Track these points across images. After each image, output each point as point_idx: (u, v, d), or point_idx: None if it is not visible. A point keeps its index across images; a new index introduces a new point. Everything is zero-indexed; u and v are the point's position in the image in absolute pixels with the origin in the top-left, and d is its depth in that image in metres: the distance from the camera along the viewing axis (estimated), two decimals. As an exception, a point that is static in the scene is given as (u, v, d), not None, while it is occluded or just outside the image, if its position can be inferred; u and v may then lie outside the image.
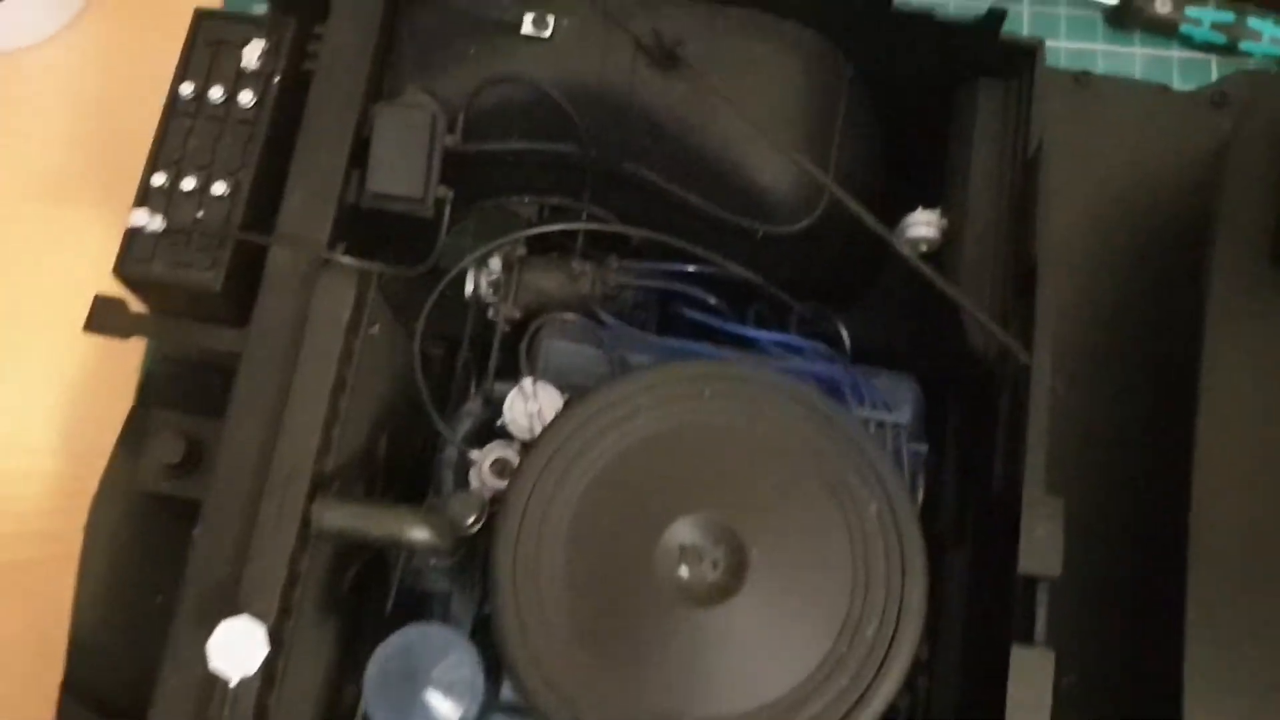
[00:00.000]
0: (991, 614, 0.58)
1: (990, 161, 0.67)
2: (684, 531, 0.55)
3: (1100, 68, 0.83)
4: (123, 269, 0.63)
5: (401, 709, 0.55)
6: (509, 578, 0.55)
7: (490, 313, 0.69)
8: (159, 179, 0.64)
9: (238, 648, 0.55)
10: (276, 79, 0.66)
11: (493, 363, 0.66)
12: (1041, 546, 0.54)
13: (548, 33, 0.66)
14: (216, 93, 0.65)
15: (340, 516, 0.59)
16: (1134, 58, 0.85)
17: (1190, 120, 0.72)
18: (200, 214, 0.64)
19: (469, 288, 0.69)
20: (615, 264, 0.69)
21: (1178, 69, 0.85)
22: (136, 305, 0.66)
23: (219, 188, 0.64)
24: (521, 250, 0.69)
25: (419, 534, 0.58)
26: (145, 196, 0.64)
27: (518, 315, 0.67)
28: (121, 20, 0.91)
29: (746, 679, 0.53)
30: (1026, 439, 0.56)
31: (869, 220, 0.62)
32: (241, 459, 0.59)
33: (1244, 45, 0.85)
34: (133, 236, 0.64)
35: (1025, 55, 0.66)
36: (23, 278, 0.85)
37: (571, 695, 0.53)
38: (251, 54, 0.66)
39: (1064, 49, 0.86)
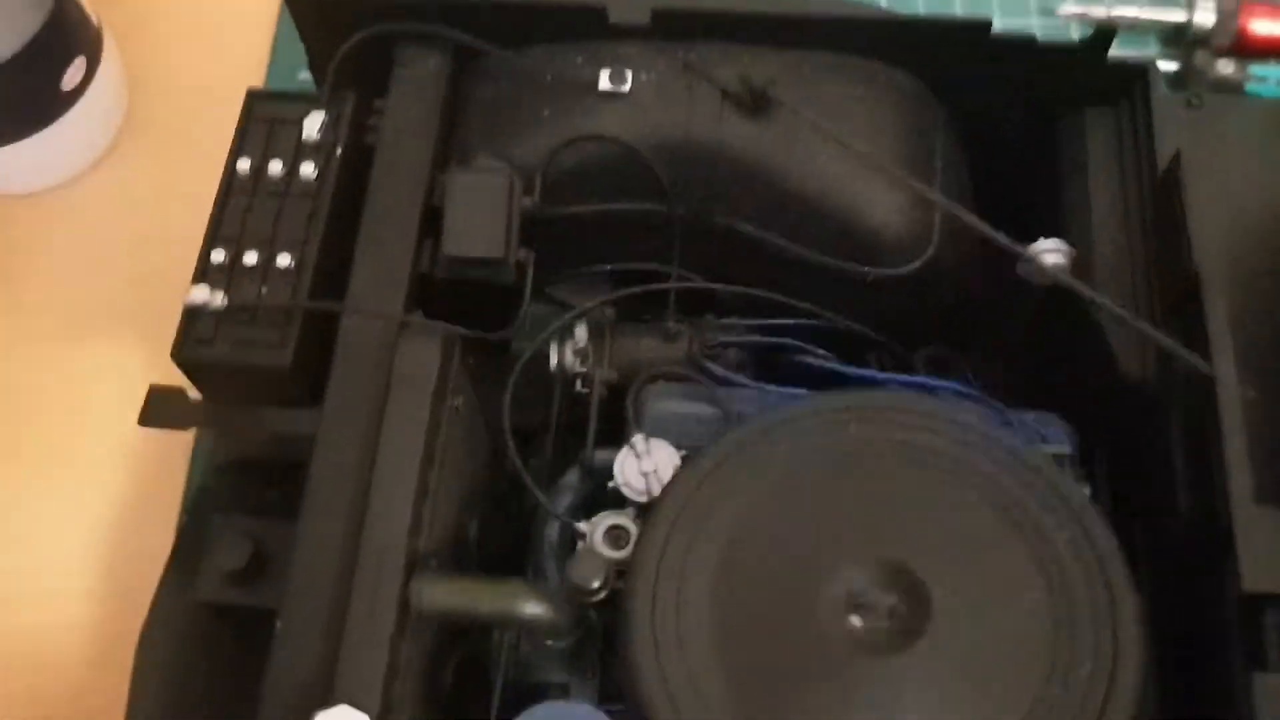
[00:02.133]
0: (1186, 643, 0.50)
1: (1111, 189, 0.62)
2: (849, 578, 0.48)
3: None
4: (183, 352, 0.57)
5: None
6: (649, 648, 0.47)
7: (579, 384, 0.63)
8: (218, 255, 0.59)
9: (342, 748, 0.46)
10: (339, 151, 0.61)
11: (592, 427, 0.59)
12: (1265, 561, 0.47)
13: (626, 88, 0.63)
14: (276, 167, 0.61)
15: (444, 594, 0.51)
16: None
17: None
18: (264, 290, 0.58)
19: (554, 360, 0.63)
20: (713, 321, 0.63)
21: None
22: (194, 395, 0.59)
23: (283, 260, 0.59)
24: (610, 314, 0.63)
25: (534, 608, 0.51)
26: (204, 273, 0.58)
27: (614, 377, 0.61)
28: (150, 157, 0.87)
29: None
30: (1225, 453, 0.49)
31: (1000, 240, 0.57)
32: (325, 543, 0.52)
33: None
34: (192, 316, 0.58)
35: (1137, 77, 0.63)
36: (62, 416, 0.78)
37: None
38: (312, 126, 0.61)
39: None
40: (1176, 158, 0.57)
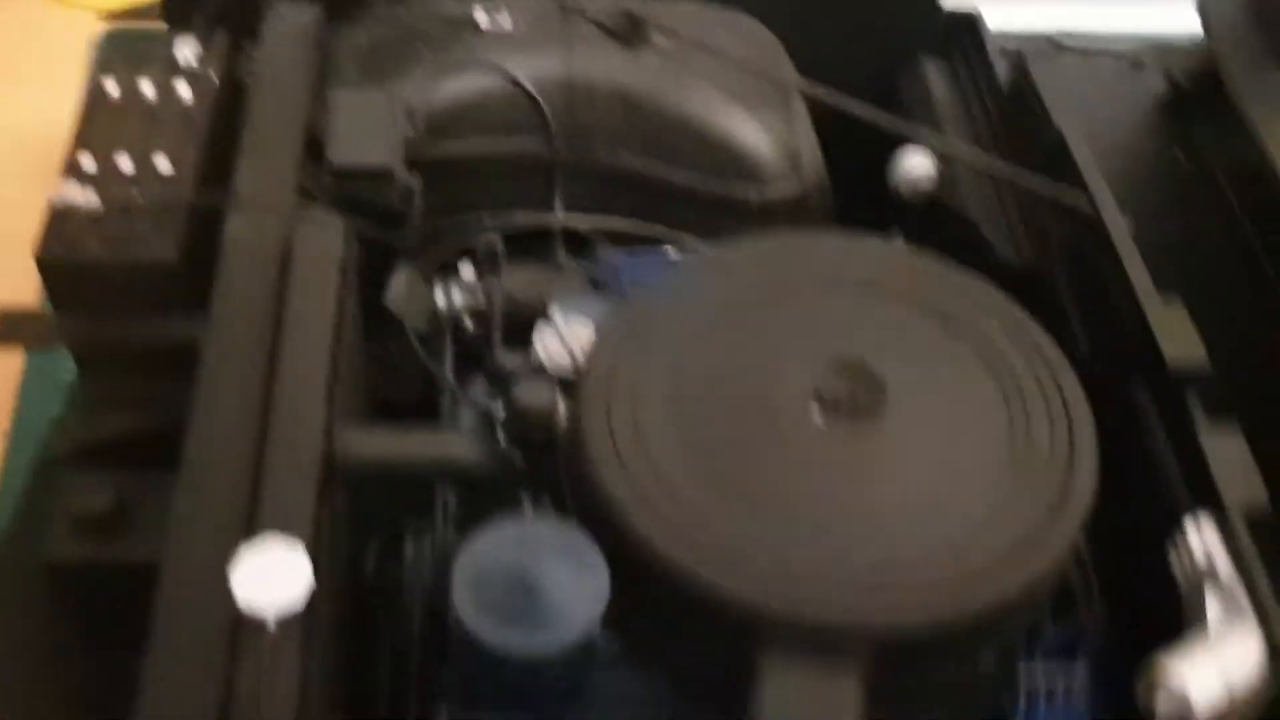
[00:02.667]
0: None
1: (957, 120, 0.67)
2: (806, 374, 0.47)
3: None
4: (48, 252, 0.52)
5: (507, 617, 0.41)
6: (608, 452, 0.44)
7: (467, 321, 0.61)
8: (87, 161, 0.55)
9: (270, 577, 0.41)
10: (214, 77, 0.59)
11: (496, 325, 0.57)
12: (1180, 341, 0.49)
13: (507, 26, 0.64)
14: (147, 87, 0.58)
15: (374, 443, 0.47)
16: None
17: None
18: (138, 195, 0.55)
19: (440, 301, 0.61)
20: (603, 253, 0.63)
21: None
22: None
23: (162, 165, 0.55)
24: (499, 250, 0.62)
25: (469, 452, 0.47)
26: (73, 173, 0.54)
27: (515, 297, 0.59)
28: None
29: (914, 509, 0.44)
30: (1126, 268, 0.52)
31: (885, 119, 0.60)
32: (227, 422, 0.47)
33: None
34: (60, 218, 0.53)
35: (966, 27, 0.68)
36: None
37: (716, 551, 0.42)
38: (186, 52, 0.60)
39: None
40: (1021, 62, 0.62)
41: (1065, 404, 0.47)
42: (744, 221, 0.63)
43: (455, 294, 0.61)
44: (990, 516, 0.44)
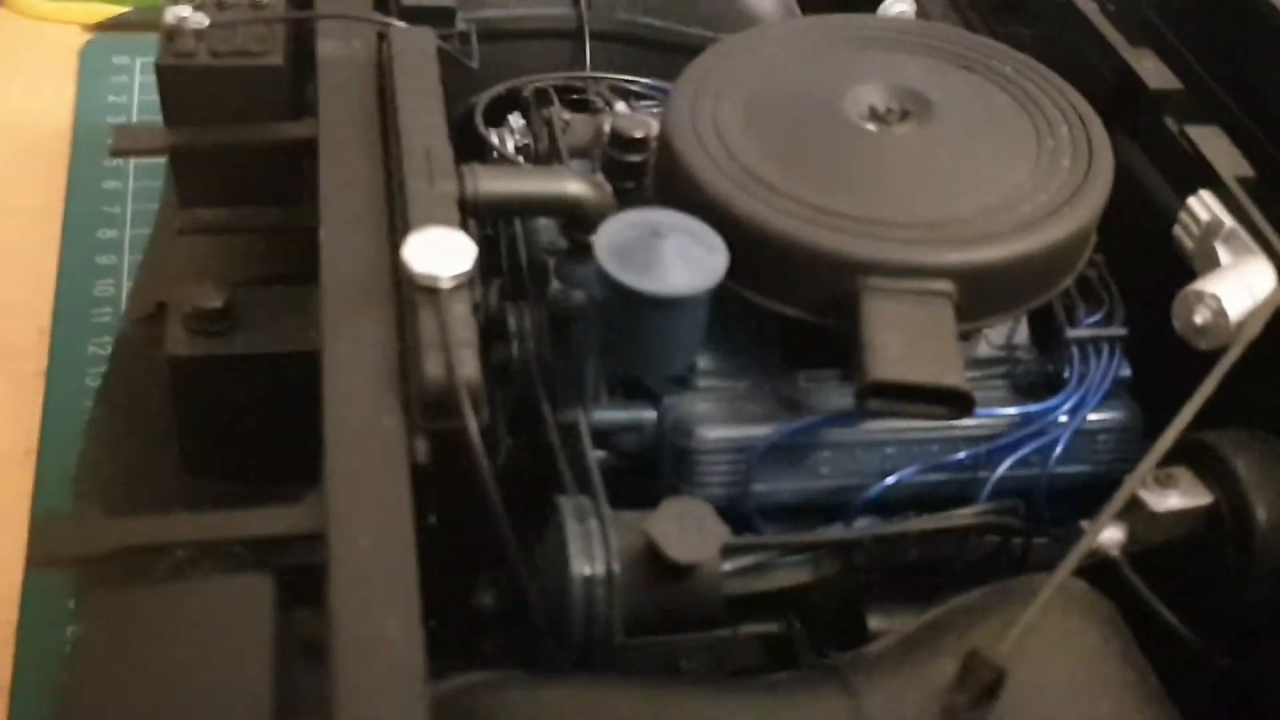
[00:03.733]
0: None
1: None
2: (863, 96, 0.55)
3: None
4: (166, 61, 0.58)
5: (641, 271, 0.48)
6: (698, 151, 0.52)
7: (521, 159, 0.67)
8: (185, -8, 0.61)
9: (440, 252, 0.47)
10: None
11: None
12: None
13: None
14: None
15: (494, 178, 0.53)
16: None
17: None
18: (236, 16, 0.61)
19: (495, 141, 0.68)
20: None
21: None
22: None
23: (257, -7, 0.62)
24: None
25: (579, 187, 0.53)
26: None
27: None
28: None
29: (966, 183, 0.52)
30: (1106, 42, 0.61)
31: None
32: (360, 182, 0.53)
33: None
34: (172, 34, 0.59)
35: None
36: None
37: (809, 216, 0.49)
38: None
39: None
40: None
41: (1083, 121, 0.55)
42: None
43: (508, 140, 0.68)
44: (1028, 190, 0.52)
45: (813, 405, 0.52)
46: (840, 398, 0.52)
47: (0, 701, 0.66)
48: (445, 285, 0.46)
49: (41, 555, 0.43)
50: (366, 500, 0.43)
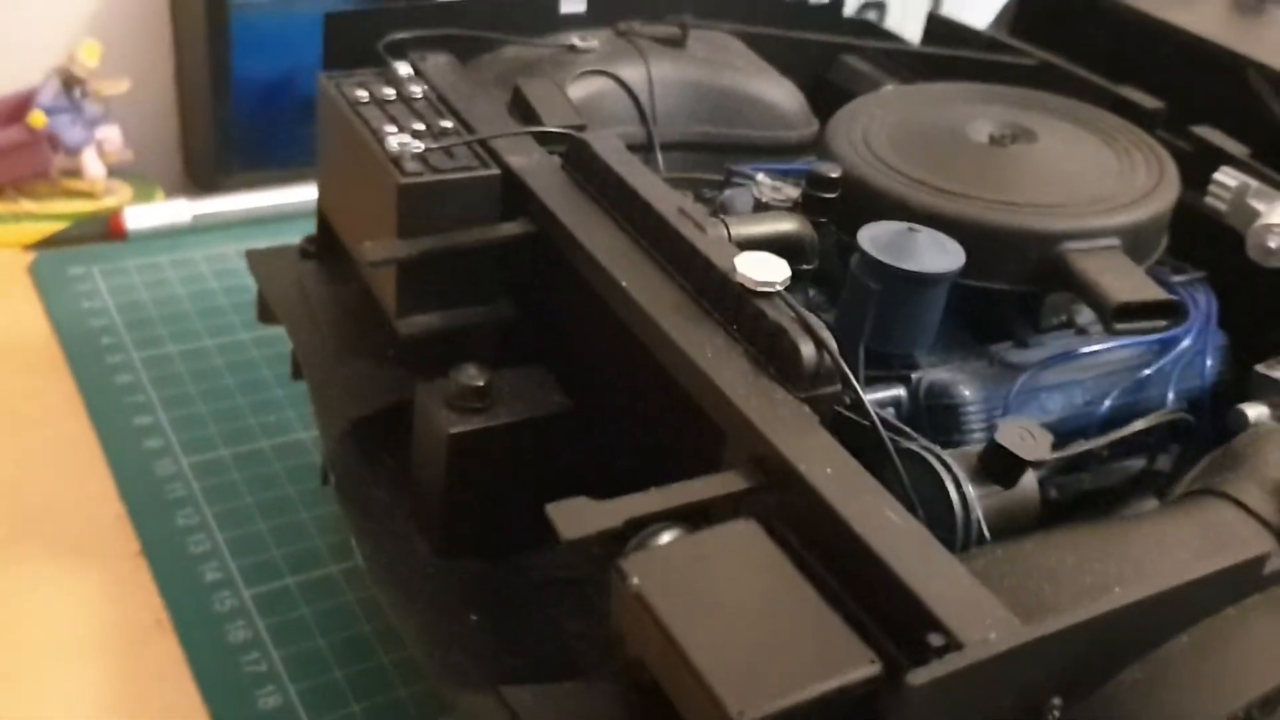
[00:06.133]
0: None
1: None
2: (983, 127, 0.71)
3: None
4: (405, 179, 0.67)
5: (907, 258, 0.61)
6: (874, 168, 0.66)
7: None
8: (390, 129, 0.70)
9: (762, 267, 0.58)
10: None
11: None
12: None
13: (595, 45, 0.85)
14: (387, 90, 0.74)
15: (742, 225, 0.65)
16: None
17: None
18: (436, 144, 0.70)
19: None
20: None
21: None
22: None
23: (445, 122, 0.71)
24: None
25: (793, 222, 0.67)
26: (389, 135, 0.69)
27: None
28: None
29: (1067, 180, 0.69)
30: None
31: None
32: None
33: None
34: (397, 160, 0.68)
35: None
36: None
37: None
38: (403, 69, 0.76)
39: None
40: None
41: (1148, 146, 0.73)
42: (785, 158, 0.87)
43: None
44: (1122, 187, 0.69)
45: (1017, 363, 0.66)
46: (1034, 354, 0.66)
47: None
48: (781, 287, 0.57)
49: (574, 536, 0.50)
50: (809, 445, 0.52)
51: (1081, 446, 0.62)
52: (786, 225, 0.66)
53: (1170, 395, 0.66)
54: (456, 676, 0.60)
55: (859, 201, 0.67)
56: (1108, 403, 0.64)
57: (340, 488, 0.70)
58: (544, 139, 0.73)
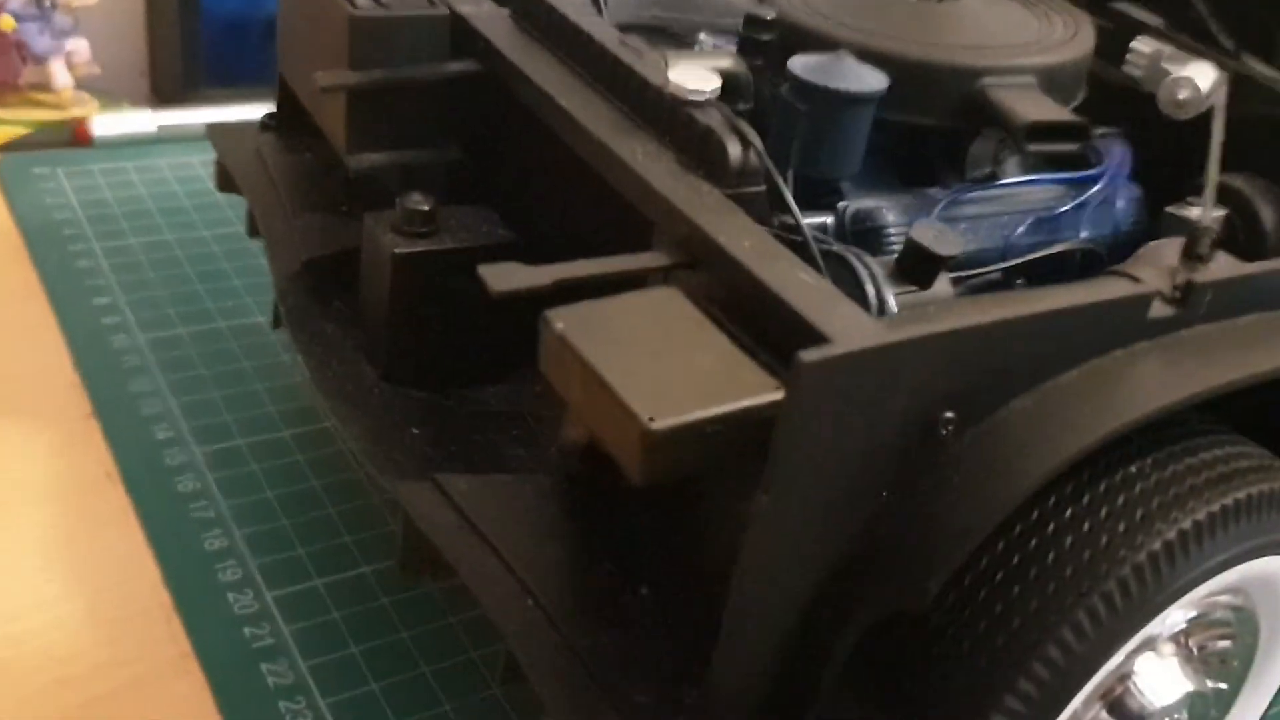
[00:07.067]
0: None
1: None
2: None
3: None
4: (356, 12, 0.69)
5: (837, 79, 0.64)
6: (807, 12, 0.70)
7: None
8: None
9: (695, 80, 0.61)
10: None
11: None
12: None
13: None
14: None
15: (683, 58, 0.68)
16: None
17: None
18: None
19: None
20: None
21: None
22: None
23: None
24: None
25: (734, 64, 0.70)
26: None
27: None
28: None
29: (993, 27, 0.72)
30: None
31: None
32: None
33: None
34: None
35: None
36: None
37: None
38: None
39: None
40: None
41: (1074, 17, 0.77)
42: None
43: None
44: (1042, 36, 0.73)
45: (937, 198, 0.69)
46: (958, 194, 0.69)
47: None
48: (711, 96, 0.61)
49: (503, 289, 0.52)
50: (730, 224, 0.55)
51: (993, 268, 0.65)
52: (723, 62, 0.69)
53: (1083, 235, 0.69)
54: (396, 469, 0.63)
55: (793, 43, 0.70)
56: (1020, 232, 0.67)
57: (290, 319, 0.73)
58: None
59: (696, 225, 0.55)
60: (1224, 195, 0.70)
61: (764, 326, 0.51)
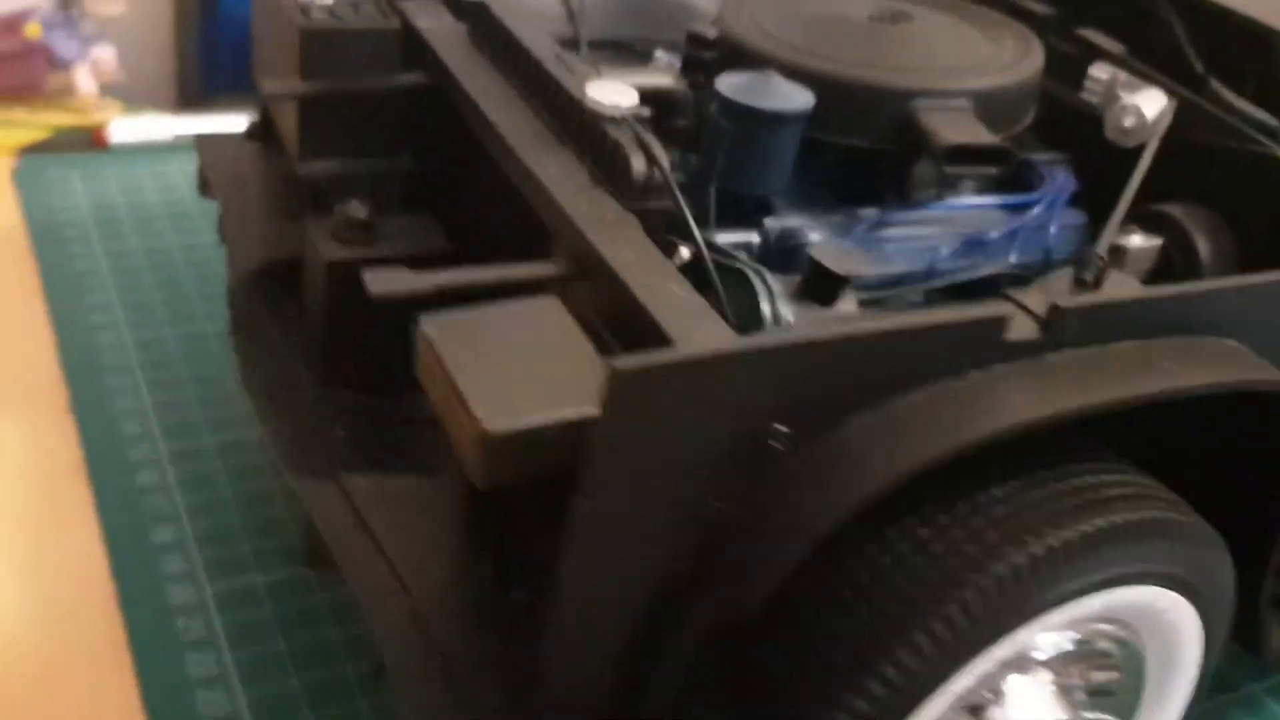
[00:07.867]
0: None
1: None
2: (864, 7, 0.75)
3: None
4: (307, 23, 0.71)
5: (761, 98, 0.64)
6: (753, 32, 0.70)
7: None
8: (300, -15, 0.75)
9: (613, 95, 0.62)
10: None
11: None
12: None
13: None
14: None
15: (623, 75, 0.69)
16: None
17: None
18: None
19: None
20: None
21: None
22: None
23: (356, -13, 0.76)
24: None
25: (672, 81, 0.70)
26: (299, -11, 0.74)
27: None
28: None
29: (939, 50, 0.72)
30: None
31: None
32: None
33: None
34: (305, 8, 0.72)
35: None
36: None
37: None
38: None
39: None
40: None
41: (1017, 33, 0.76)
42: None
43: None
44: (988, 60, 0.72)
45: (868, 218, 0.69)
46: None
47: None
48: (627, 113, 0.61)
49: (382, 292, 0.53)
50: (620, 238, 0.56)
51: (904, 287, 0.65)
52: (661, 80, 0.70)
53: (1012, 260, 0.69)
54: (307, 467, 0.64)
55: (733, 62, 0.70)
56: (946, 255, 0.67)
57: (233, 320, 0.74)
58: (458, 10, 0.78)
59: (584, 236, 0.56)
60: (1161, 224, 0.69)
61: (634, 338, 0.51)
